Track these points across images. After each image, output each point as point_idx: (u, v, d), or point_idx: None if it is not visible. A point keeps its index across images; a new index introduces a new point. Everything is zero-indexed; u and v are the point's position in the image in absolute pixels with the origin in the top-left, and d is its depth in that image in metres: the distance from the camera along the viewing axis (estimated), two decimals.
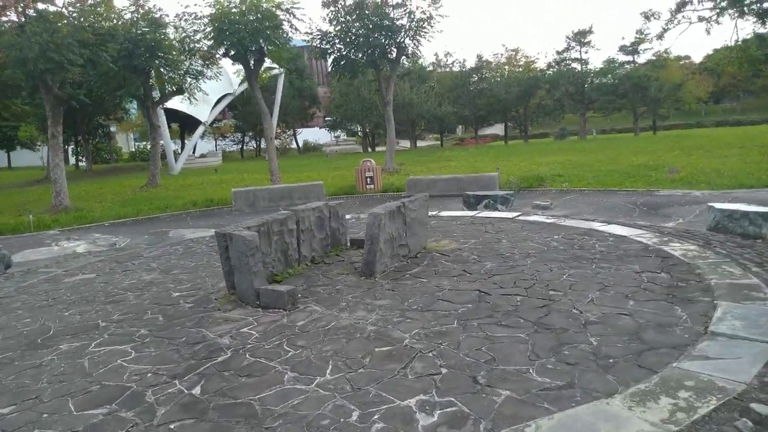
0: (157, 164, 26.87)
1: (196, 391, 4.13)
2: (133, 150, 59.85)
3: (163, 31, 23.57)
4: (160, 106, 35.09)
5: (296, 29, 21.82)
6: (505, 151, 37.67)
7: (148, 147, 53.33)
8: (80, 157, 46.90)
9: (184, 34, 22.44)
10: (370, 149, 53.10)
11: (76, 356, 4.98)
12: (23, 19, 17.30)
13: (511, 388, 3.80)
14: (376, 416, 3.56)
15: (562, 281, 6.13)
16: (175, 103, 34.75)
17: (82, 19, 18.21)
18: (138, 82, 25.39)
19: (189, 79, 26.69)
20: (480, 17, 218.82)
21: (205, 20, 20.55)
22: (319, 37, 24.68)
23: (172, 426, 3.66)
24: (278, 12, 20.68)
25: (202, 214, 17.06)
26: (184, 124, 49.08)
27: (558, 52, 49.38)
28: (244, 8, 20.08)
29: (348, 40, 23.81)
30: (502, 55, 56.70)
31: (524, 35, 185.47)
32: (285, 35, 21.72)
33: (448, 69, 56.75)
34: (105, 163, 53.76)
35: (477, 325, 5.00)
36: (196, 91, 28.01)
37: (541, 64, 53.31)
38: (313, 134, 61.11)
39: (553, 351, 4.35)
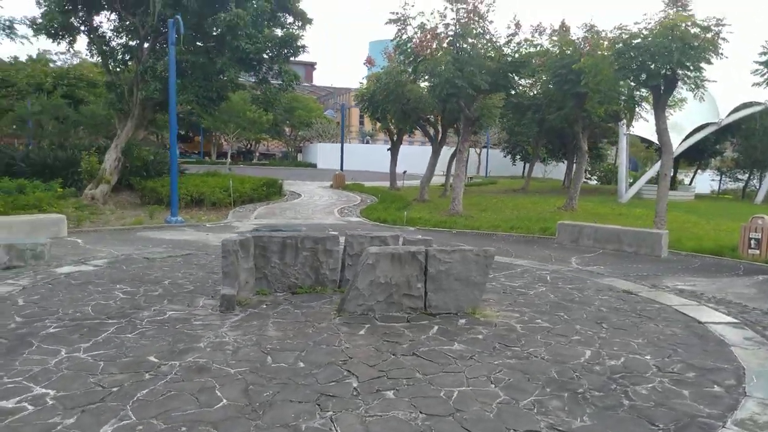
0: (577, 188, 27.04)
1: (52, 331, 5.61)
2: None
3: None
4: (626, 131, 34.62)
5: (720, 53, 17.94)
6: None
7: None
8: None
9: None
10: None
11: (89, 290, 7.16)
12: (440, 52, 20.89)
13: None
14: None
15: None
16: (638, 128, 33.31)
17: (488, 49, 20.50)
18: (571, 105, 26.15)
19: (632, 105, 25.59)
20: None
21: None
22: None
23: None
24: (700, 33, 17.57)
25: (520, 239, 16.50)
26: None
27: None
28: (656, 31, 18.02)
29: None
30: None
31: None
32: (705, 58, 18.23)
33: None
34: (608, 183, 55.13)
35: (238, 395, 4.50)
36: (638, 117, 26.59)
37: None
38: None
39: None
